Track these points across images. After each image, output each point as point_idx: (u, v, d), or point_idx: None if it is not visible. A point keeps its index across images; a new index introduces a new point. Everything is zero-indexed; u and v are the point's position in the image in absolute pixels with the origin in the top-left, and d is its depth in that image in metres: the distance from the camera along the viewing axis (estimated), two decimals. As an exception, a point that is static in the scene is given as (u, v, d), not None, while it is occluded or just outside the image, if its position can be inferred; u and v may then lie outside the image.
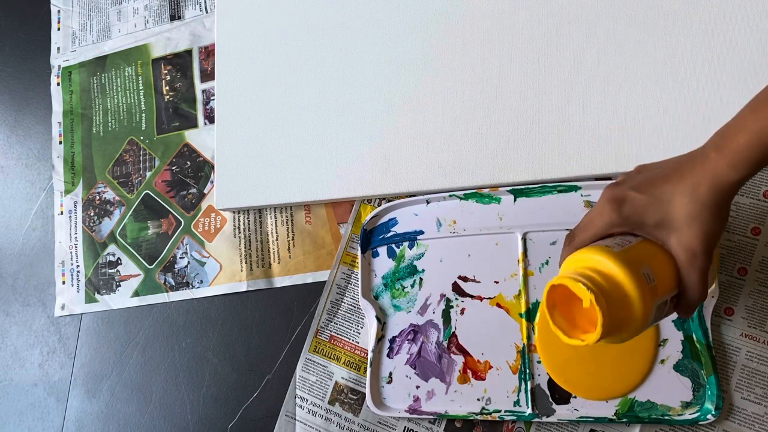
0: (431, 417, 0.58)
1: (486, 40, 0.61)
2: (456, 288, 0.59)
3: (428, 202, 0.61)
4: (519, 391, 0.55)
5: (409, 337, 0.60)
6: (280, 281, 0.67)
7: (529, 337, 0.56)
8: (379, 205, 0.63)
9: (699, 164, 0.38)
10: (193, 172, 0.72)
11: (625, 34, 0.57)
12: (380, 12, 0.65)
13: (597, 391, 0.54)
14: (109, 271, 0.74)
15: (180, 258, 0.71)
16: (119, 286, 0.73)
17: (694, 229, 0.37)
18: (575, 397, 0.54)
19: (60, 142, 0.79)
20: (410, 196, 0.62)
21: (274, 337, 0.66)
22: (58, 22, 0.82)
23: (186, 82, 0.74)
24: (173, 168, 0.73)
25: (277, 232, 0.68)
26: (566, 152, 0.57)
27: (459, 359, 0.58)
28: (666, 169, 0.39)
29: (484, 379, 0.57)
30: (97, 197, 0.76)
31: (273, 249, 0.68)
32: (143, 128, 0.75)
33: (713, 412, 0.51)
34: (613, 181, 0.41)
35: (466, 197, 0.60)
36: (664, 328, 0.53)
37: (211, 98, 0.73)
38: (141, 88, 0.76)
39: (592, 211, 0.41)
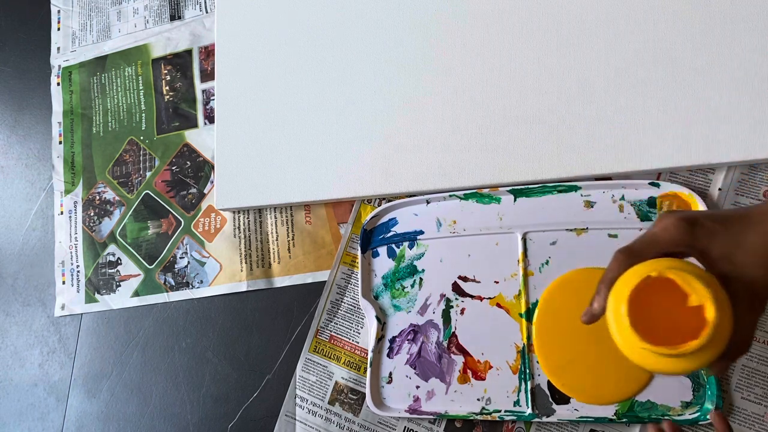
0: (431, 417, 0.58)
1: (486, 40, 0.61)
2: (456, 288, 0.59)
3: (428, 202, 0.61)
4: (519, 391, 0.56)
5: (409, 337, 0.60)
6: (280, 281, 0.67)
7: (529, 337, 0.56)
8: (379, 205, 0.63)
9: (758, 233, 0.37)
10: (193, 172, 0.72)
11: (625, 34, 0.57)
12: (380, 12, 0.65)
13: (596, 396, 0.53)
14: (109, 271, 0.74)
15: (180, 258, 0.71)
16: (119, 286, 0.73)
17: (762, 274, 0.36)
18: (575, 397, 0.54)
19: (60, 142, 0.79)
20: (410, 196, 0.62)
21: (274, 337, 0.66)
22: (58, 22, 0.82)
23: (186, 82, 0.74)
24: (173, 168, 0.73)
25: (277, 232, 0.68)
26: (566, 152, 0.57)
27: (459, 359, 0.58)
28: (743, 210, 0.39)
29: (484, 379, 0.57)
30: (97, 197, 0.76)
31: (273, 249, 0.68)
32: (143, 128, 0.75)
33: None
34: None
35: (466, 197, 0.60)
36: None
37: (211, 98, 0.73)
38: (141, 88, 0.76)
39: (657, 226, 0.39)
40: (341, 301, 0.63)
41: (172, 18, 0.77)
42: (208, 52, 0.74)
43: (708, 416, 0.51)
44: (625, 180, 0.56)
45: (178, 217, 0.72)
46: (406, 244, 0.61)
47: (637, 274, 0.36)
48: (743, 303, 0.36)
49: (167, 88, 0.75)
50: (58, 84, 0.80)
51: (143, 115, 0.76)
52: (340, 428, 0.61)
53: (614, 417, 0.53)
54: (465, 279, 0.59)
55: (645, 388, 0.52)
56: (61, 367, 0.74)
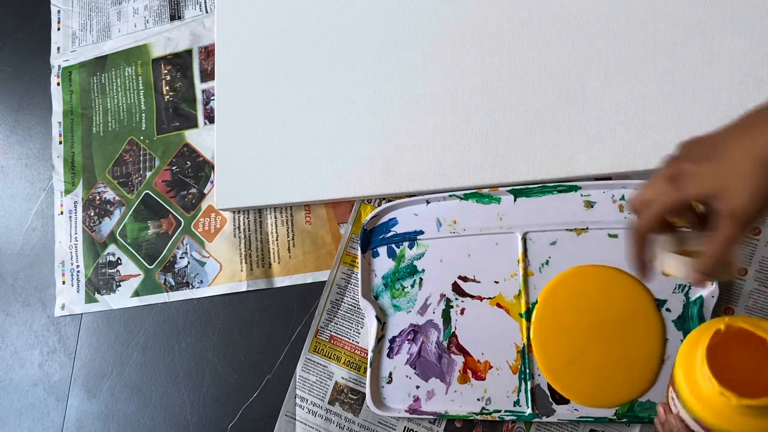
0: (431, 417, 0.58)
1: (486, 40, 0.61)
2: (456, 288, 0.59)
3: (428, 202, 0.61)
4: (519, 391, 0.55)
5: (409, 337, 0.60)
6: (280, 281, 0.67)
7: (529, 337, 0.56)
8: (379, 205, 0.63)
9: (761, 122, 0.35)
10: (193, 172, 0.72)
11: (625, 34, 0.57)
12: (380, 12, 0.65)
13: (597, 399, 0.53)
14: (109, 271, 0.74)
15: (180, 258, 0.71)
16: (119, 286, 0.73)
17: (747, 186, 0.34)
18: (575, 397, 0.54)
19: (60, 142, 0.79)
20: (410, 196, 0.62)
21: (274, 337, 0.66)
22: (58, 22, 0.82)
23: (186, 82, 0.74)
24: (173, 168, 0.73)
25: (277, 232, 0.68)
26: (566, 152, 0.57)
27: (459, 359, 0.58)
28: (723, 132, 0.37)
29: (484, 379, 0.57)
30: (97, 197, 0.76)
31: (273, 249, 0.68)
32: (143, 128, 0.75)
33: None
34: (670, 155, 0.39)
35: (466, 197, 0.60)
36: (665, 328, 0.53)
37: (211, 98, 0.73)
38: (141, 88, 0.76)
39: (648, 189, 0.38)
40: (341, 301, 0.63)
41: (172, 18, 0.77)
42: (208, 52, 0.74)
43: None
44: (625, 180, 0.56)
45: (178, 217, 0.72)
46: (406, 244, 0.61)
47: (703, 332, 0.35)
48: (725, 218, 0.35)
49: (167, 88, 0.75)
50: (58, 84, 0.80)
51: (143, 115, 0.76)
52: (340, 428, 0.61)
53: (614, 417, 0.53)
54: (465, 279, 0.59)
55: (646, 392, 0.52)
56: (61, 367, 0.74)
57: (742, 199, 0.34)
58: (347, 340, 0.63)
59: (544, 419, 0.54)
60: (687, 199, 0.37)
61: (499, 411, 0.56)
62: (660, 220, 0.38)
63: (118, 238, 0.74)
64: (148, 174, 0.74)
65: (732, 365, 0.34)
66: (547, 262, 0.57)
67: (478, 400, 0.57)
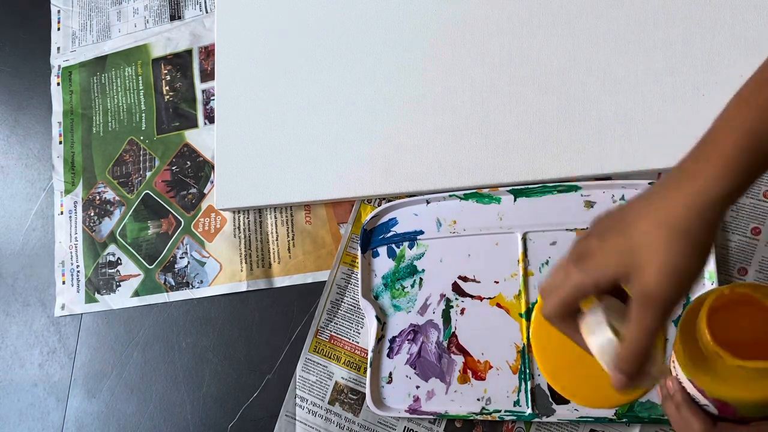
0: (431, 417, 0.58)
1: (486, 40, 0.61)
2: (456, 288, 0.59)
3: (428, 202, 0.61)
4: (519, 391, 0.55)
5: (409, 337, 0.60)
6: (280, 281, 0.67)
7: (529, 337, 0.56)
8: (379, 205, 0.63)
9: (673, 183, 0.30)
10: (193, 172, 0.72)
11: (626, 33, 0.57)
12: (380, 12, 0.65)
13: (597, 400, 0.53)
14: (109, 271, 0.74)
15: (180, 258, 0.71)
16: (119, 286, 0.73)
17: (657, 261, 0.28)
18: (575, 397, 0.54)
19: (60, 142, 0.79)
20: (410, 196, 0.62)
21: (274, 337, 0.66)
22: (58, 22, 0.82)
23: (186, 82, 0.74)
24: (173, 168, 0.73)
25: (277, 232, 0.68)
26: (566, 152, 0.57)
27: (459, 359, 0.58)
28: (634, 201, 0.32)
29: (484, 379, 0.57)
30: (97, 197, 0.76)
31: (273, 249, 0.68)
32: (143, 128, 0.75)
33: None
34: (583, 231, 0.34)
35: (466, 197, 0.60)
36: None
37: (211, 98, 0.73)
38: (141, 88, 0.76)
39: (554, 272, 0.33)
40: (341, 301, 0.63)
41: (172, 18, 0.77)
42: (208, 52, 0.74)
43: None
44: (625, 180, 0.56)
45: (178, 217, 0.72)
46: (406, 244, 0.61)
47: (708, 295, 0.34)
48: (637, 304, 0.30)
49: (167, 88, 0.75)
50: (58, 84, 0.80)
51: (143, 115, 0.76)
52: (340, 428, 0.61)
53: (614, 417, 0.53)
54: (465, 279, 0.59)
55: (647, 393, 0.52)
56: (61, 367, 0.74)
57: (655, 277, 0.28)
58: (347, 340, 0.63)
59: (544, 419, 0.54)
60: (595, 282, 0.31)
61: (499, 411, 0.56)
62: (566, 308, 0.33)
63: (118, 238, 0.74)
64: (148, 174, 0.74)
65: (732, 330, 0.33)
66: (547, 262, 0.57)
67: (478, 400, 0.57)
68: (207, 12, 0.75)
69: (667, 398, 0.38)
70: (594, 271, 0.31)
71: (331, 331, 0.63)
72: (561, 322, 0.34)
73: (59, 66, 0.81)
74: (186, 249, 0.71)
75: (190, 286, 0.70)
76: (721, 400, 0.34)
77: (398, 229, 0.62)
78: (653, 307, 0.29)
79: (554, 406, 0.54)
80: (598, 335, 0.33)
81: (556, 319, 0.34)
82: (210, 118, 0.73)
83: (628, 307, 0.30)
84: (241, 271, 0.68)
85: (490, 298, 0.58)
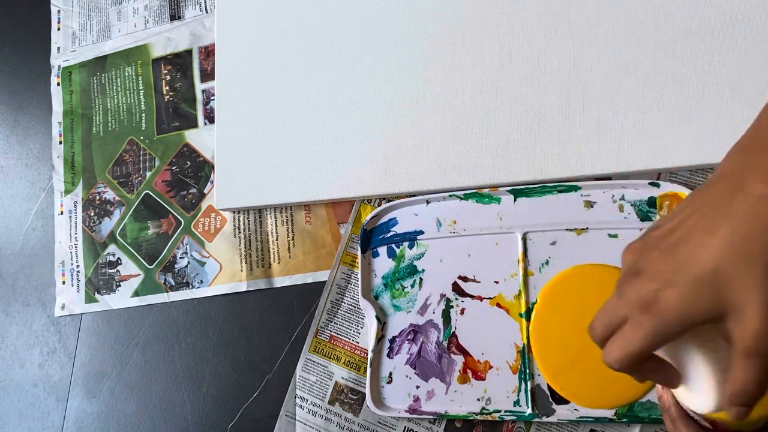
0: (431, 417, 0.58)
1: (486, 40, 0.61)
2: (456, 288, 0.59)
3: (428, 202, 0.61)
4: (519, 391, 0.56)
5: (409, 337, 0.60)
6: (280, 281, 0.67)
7: (529, 337, 0.56)
8: (379, 205, 0.63)
9: (737, 203, 0.25)
10: (193, 172, 0.72)
11: (625, 34, 0.57)
12: (380, 12, 0.65)
13: (597, 400, 0.53)
14: (109, 271, 0.74)
15: (180, 258, 0.71)
16: (119, 286, 0.73)
17: (755, 300, 0.24)
18: (575, 397, 0.54)
19: (60, 142, 0.79)
20: (410, 196, 0.62)
21: (274, 337, 0.66)
22: (58, 22, 0.82)
23: (186, 82, 0.74)
24: (173, 168, 0.73)
25: (277, 232, 0.68)
26: (566, 152, 0.57)
27: (459, 359, 0.58)
28: (692, 225, 0.27)
29: (484, 379, 0.57)
30: (97, 197, 0.76)
31: (273, 249, 0.68)
32: (143, 128, 0.75)
33: (713, 412, 0.50)
34: (630, 262, 0.28)
35: (466, 197, 0.60)
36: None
37: (211, 98, 0.73)
38: (141, 88, 0.76)
39: (613, 309, 0.29)
40: (341, 301, 0.63)
41: (172, 18, 0.77)
42: (208, 52, 0.74)
43: None
44: (625, 180, 0.56)
45: (178, 217, 0.72)
46: (406, 244, 0.61)
47: None
48: (740, 354, 0.26)
49: (167, 88, 0.75)
50: (58, 84, 0.80)
51: (143, 115, 0.76)
52: (340, 428, 0.61)
53: (614, 417, 0.53)
54: (465, 279, 0.59)
55: (646, 392, 0.52)
56: (61, 367, 0.74)
57: (761, 324, 0.24)
58: (347, 340, 0.63)
59: (544, 419, 0.54)
60: (678, 332, 0.27)
61: (499, 411, 0.56)
62: (641, 359, 0.29)
63: (118, 238, 0.74)
64: (148, 174, 0.74)
65: None
66: (547, 262, 0.57)
67: (478, 400, 0.57)
68: (207, 12, 0.75)
69: (664, 410, 0.38)
70: (672, 318, 0.27)
71: (331, 331, 0.63)
72: (635, 372, 0.31)
73: (59, 66, 0.81)
74: (186, 249, 0.71)
75: (190, 286, 0.70)
76: (710, 419, 0.34)
77: (398, 229, 0.62)
78: (760, 353, 0.25)
79: (554, 406, 0.54)
80: (697, 383, 0.31)
81: (626, 370, 0.30)
82: (210, 118, 0.73)
83: (725, 344, 0.27)
84: (241, 271, 0.68)
85: (490, 298, 0.58)
